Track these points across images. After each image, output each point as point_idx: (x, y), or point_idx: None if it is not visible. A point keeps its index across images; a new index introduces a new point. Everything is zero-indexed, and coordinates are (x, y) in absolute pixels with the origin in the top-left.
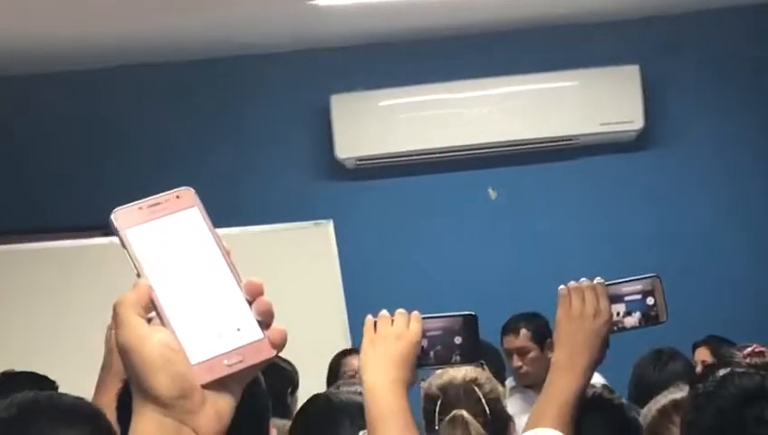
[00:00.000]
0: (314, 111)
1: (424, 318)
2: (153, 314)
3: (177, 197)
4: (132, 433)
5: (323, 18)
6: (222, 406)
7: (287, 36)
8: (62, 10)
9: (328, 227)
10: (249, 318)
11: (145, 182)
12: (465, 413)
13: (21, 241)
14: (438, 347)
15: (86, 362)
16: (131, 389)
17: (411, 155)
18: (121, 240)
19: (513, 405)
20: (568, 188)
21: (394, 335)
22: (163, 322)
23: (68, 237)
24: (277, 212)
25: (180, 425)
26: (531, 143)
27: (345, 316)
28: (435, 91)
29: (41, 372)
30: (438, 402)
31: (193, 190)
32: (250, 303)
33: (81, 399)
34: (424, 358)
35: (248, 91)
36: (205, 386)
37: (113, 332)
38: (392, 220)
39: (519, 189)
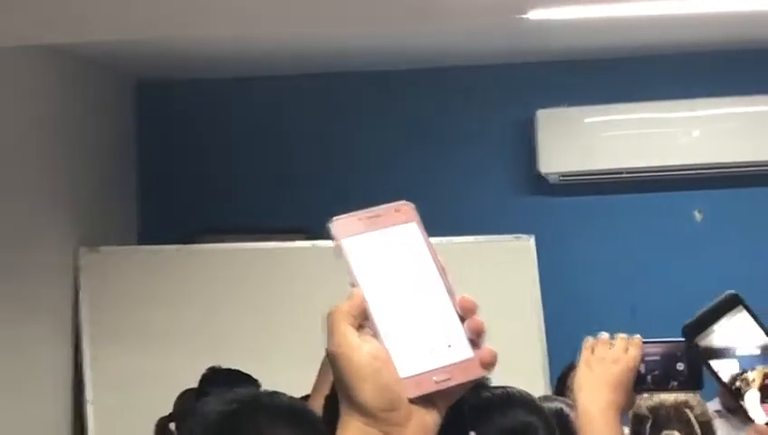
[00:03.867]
0: (519, 125)
1: (644, 343)
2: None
3: (396, 210)
4: None
5: (533, 33)
6: (428, 422)
7: (497, 49)
8: (283, 15)
9: (529, 242)
10: (461, 336)
11: (354, 189)
12: (677, 433)
13: (231, 241)
14: (656, 372)
15: (280, 362)
16: (338, 397)
17: (615, 173)
18: (338, 248)
19: (719, 430)
20: None
21: (611, 359)
22: (375, 333)
23: (273, 239)
24: (479, 224)
25: None
26: (739, 166)
27: (543, 333)
28: (642, 110)
29: (241, 367)
30: (648, 424)
31: (413, 205)
32: (462, 320)
33: (298, 399)
34: (641, 382)
35: (457, 103)
36: (411, 401)
37: None
38: (594, 238)
39: (725, 213)
